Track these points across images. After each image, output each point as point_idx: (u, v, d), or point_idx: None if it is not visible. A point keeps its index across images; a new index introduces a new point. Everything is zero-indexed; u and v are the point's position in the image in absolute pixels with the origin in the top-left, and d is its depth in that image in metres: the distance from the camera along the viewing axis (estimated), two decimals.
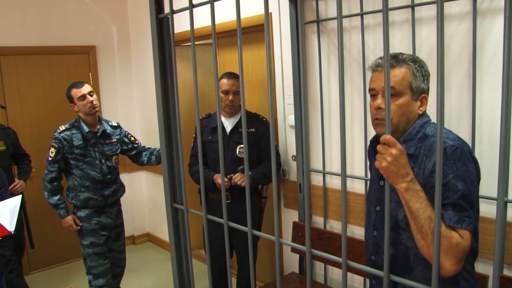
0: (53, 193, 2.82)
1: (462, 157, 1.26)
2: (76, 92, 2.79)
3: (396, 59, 1.37)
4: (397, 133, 1.39)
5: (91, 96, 2.82)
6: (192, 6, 1.18)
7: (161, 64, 1.37)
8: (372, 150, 1.58)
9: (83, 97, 2.79)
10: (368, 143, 2.42)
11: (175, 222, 1.43)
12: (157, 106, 1.40)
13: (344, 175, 0.91)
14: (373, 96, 1.40)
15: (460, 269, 1.21)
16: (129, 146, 3.06)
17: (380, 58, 1.40)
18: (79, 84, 2.83)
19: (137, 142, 3.11)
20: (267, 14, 0.98)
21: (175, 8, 1.25)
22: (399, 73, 1.35)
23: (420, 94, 1.38)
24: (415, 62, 1.38)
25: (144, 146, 3.15)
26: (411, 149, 1.36)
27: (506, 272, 1.92)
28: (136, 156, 3.09)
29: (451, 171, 1.24)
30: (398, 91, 1.34)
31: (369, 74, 2.42)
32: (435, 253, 0.81)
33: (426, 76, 1.39)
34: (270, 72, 1.01)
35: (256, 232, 1.15)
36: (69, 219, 2.87)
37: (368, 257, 1.56)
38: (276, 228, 1.07)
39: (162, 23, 1.37)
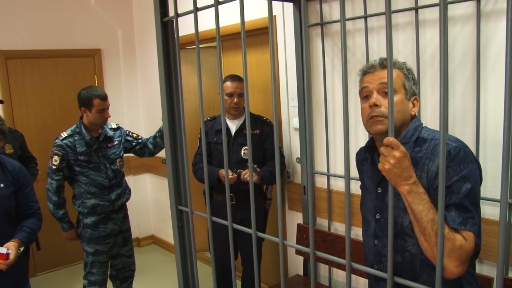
0: (58, 206, 2.77)
1: (466, 157, 1.26)
2: (100, 104, 2.71)
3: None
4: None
5: (108, 109, 2.78)
6: (196, 9, 1.19)
7: (166, 67, 1.38)
8: (362, 158, 1.56)
9: (103, 110, 2.74)
10: None
11: (180, 224, 1.44)
12: (162, 109, 1.41)
13: (347, 177, 0.92)
14: (365, 98, 1.39)
15: (465, 271, 1.21)
16: (134, 143, 3.02)
17: (372, 61, 1.41)
18: (102, 94, 2.74)
19: (140, 137, 3.07)
20: (271, 17, 0.99)
21: (179, 11, 1.26)
22: (392, 72, 1.37)
23: (412, 95, 1.39)
24: (405, 66, 1.41)
25: (146, 138, 3.10)
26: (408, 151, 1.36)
27: None
28: (142, 149, 3.04)
29: (455, 173, 1.24)
30: (393, 89, 1.35)
31: None
32: (439, 255, 0.81)
33: (415, 80, 1.42)
34: (274, 74, 1.02)
35: (260, 234, 1.15)
36: (73, 232, 2.87)
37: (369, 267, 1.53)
38: (280, 230, 1.07)
39: (167, 26, 1.38)
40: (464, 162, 1.25)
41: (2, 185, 2.16)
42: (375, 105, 1.34)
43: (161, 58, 1.37)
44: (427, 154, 1.32)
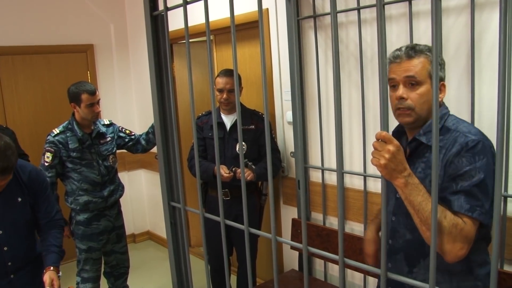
0: None
1: (483, 150, 1.28)
2: (88, 99, 2.68)
3: (414, 50, 1.40)
4: (419, 121, 1.41)
5: (98, 104, 2.75)
6: (186, 2, 1.17)
7: (156, 62, 1.36)
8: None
9: (92, 105, 2.71)
10: (366, 138, 2.41)
11: (173, 221, 1.43)
12: (153, 104, 1.39)
13: (340, 171, 0.90)
14: (393, 87, 1.42)
15: (467, 253, 1.23)
16: (127, 139, 3.00)
17: (398, 49, 1.42)
18: (90, 89, 2.71)
19: (133, 133, 3.05)
20: (261, 10, 0.97)
21: (169, 5, 1.24)
22: (418, 63, 1.38)
23: (440, 81, 1.41)
24: (431, 51, 1.41)
25: (139, 134, 3.08)
26: (431, 141, 1.37)
27: (507, 268, 1.91)
28: (135, 145, 3.03)
29: (469, 163, 1.27)
30: (419, 80, 1.37)
31: (366, 69, 2.40)
32: (432, 248, 0.80)
33: (442, 64, 1.45)
34: (264, 68, 1.00)
35: (253, 230, 1.14)
36: (66, 229, 2.83)
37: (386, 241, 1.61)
38: (272, 227, 1.06)
39: (156, 21, 1.36)
40: (480, 154, 1.27)
41: (19, 199, 2.04)
42: (401, 97, 1.38)
43: (151, 53, 1.35)
44: (447, 145, 1.35)
